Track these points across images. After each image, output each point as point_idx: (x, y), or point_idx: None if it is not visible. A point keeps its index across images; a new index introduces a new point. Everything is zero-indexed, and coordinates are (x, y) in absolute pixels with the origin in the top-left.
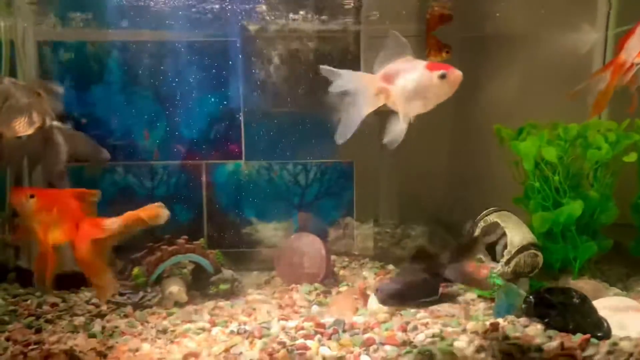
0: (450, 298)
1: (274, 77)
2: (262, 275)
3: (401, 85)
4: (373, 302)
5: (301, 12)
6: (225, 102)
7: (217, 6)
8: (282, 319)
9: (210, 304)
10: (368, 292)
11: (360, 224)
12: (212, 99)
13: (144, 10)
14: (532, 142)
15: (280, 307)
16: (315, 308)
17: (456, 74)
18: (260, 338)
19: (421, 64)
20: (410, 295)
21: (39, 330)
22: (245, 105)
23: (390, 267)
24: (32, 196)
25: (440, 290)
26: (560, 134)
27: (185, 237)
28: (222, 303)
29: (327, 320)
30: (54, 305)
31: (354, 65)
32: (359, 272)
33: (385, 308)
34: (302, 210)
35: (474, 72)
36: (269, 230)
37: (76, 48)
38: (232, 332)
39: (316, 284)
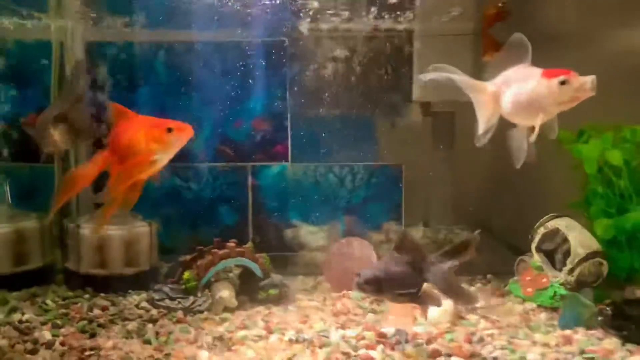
0: (505, 308)
1: (322, 78)
2: (307, 280)
3: (515, 95)
4: (433, 311)
5: (352, 11)
6: (271, 103)
7: (265, 5)
8: (340, 328)
9: (260, 309)
10: None
11: (408, 229)
12: (259, 100)
13: (191, 10)
14: (594, 145)
15: (334, 314)
16: (370, 316)
17: (581, 79)
18: (320, 347)
19: (537, 71)
20: (388, 285)
21: (93, 335)
22: (292, 106)
23: None
24: (169, 130)
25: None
26: (627, 136)
27: (234, 240)
28: (274, 309)
29: (388, 329)
30: (104, 308)
31: (407, 66)
32: None
33: (447, 318)
34: (349, 214)
35: None
36: (314, 234)
37: (124, 49)
38: (290, 340)
39: None
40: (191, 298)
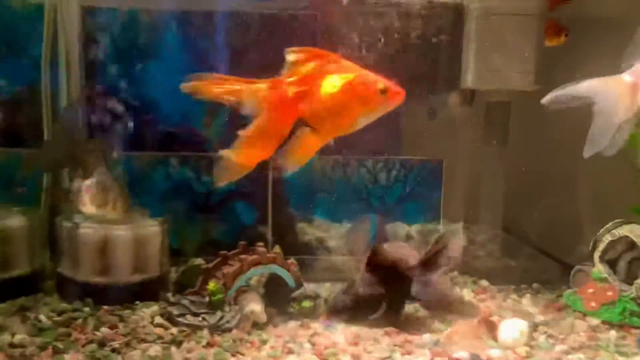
0: (566, 323)
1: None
2: (336, 287)
3: None
4: (505, 331)
5: None
6: None
7: None
8: (406, 354)
9: (293, 326)
10: (492, 318)
11: (447, 229)
12: None
13: None
14: None
15: (387, 333)
16: (427, 337)
17: None
18: None
19: None
20: (360, 312)
21: None
22: None
23: (484, 282)
24: (383, 91)
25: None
26: None
27: (262, 244)
28: (315, 326)
29: (461, 355)
30: (113, 327)
31: (456, 48)
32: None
33: (524, 340)
34: (381, 213)
35: (590, 59)
36: (342, 236)
37: (127, 17)
38: None
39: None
40: (218, 313)
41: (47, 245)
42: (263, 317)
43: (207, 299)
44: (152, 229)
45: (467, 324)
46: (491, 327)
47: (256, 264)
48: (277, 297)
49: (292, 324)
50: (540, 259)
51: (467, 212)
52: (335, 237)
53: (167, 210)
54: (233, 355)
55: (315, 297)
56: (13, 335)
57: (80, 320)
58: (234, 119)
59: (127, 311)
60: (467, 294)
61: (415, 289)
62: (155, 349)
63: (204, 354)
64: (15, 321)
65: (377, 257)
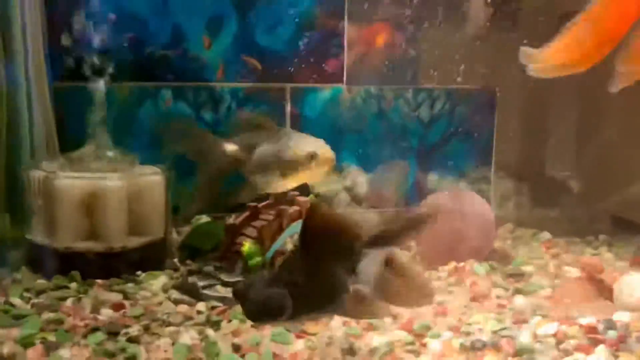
0: None
1: None
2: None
3: None
4: (628, 290)
5: None
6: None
7: None
8: (516, 323)
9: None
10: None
11: (499, 176)
12: None
13: None
14: None
15: (474, 298)
16: (519, 300)
17: None
18: (516, 356)
19: None
20: (287, 307)
21: None
22: (350, 5)
23: (546, 235)
24: None
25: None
26: None
27: (296, 192)
28: None
29: (589, 320)
30: (118, 307)
31: None
32: (518, 244)
33: None
34: (423, 155)
35: None
36: (377, 184)
37: None
38: (463, 347)
39: (491, 263)
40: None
41: (3, 204)
42: None
43: (239, 263)
44: (152, 178)
45: (572, 283)
46: (601, 285)
47: (297, 217)
48: None
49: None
50: (591, 209)
51: (522, 153)
52: (367, 185)
53: (158, 157)
54: (299, 337)
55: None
56: None
57: (70, 301)
58: (243, 37)
59: (129, 285)
60: (535, 248)
61: (361, 276)
62: (187, 335)
63: (257, 337)
64: None
65: (314, 222)
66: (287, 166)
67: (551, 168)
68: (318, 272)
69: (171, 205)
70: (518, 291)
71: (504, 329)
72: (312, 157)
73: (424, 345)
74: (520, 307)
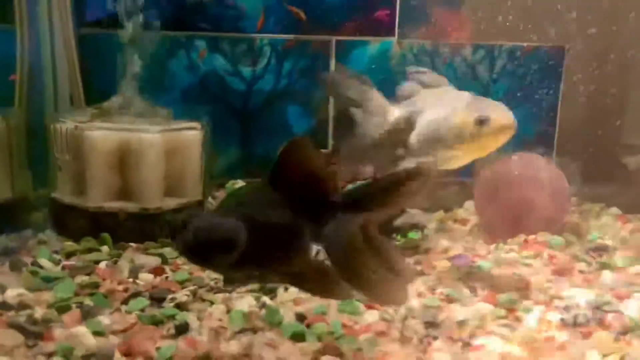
0: None
1: None
2: (426, 215)
3: None
4: None
5: None
6: None
7: None
8: (619, 297)
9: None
10: None
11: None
12: None
13: None
14: None
15: (556, 272)
16: (607, 274)
17: None
18: (630, 332)
19: None
20: (233, 256)
21: (182, 332)
22: None
23: (615, 210)
24: None
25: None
26: None
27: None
28: (443, 264)
29: None
30: (159, 271)
31: None
32: (588, 218)
33: None
34: None
35: None
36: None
37: None
38: (563, 322)
39: (566, 235)
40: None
41: (26, 161)
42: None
43: None
44: (190, 134)
45: None
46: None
47: (353, 179)
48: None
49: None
50: None
51: (590, 122)
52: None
53: (189, 114)
54: (369, 307)
55: (423, 227)
56: (3, 289)
57: (103, 264)
58: None
59: (167, 249)
60: (610, 223)
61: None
62: (243, 302)
63: (323, 307)
64: (2, 270)
65: (292, 157)
66: (452, 136)
67: (623, 137)
68: (280, 218)
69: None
70: (604, 266)
71: (607, 303)
72: (483, 122)
73: (518, 319)
74: (611, 284)
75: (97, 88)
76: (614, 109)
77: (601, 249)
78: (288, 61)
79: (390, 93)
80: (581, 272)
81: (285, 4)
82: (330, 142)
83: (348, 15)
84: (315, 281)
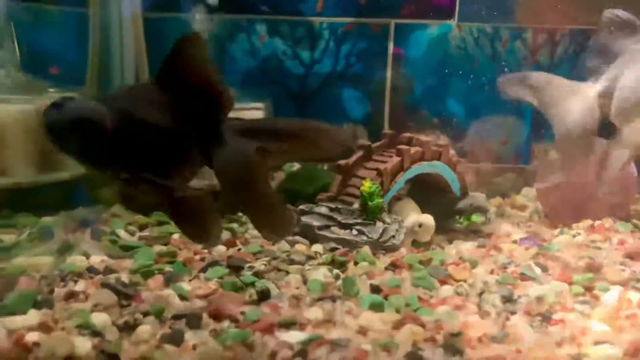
0: None
1: None
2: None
3: None
4: None
5: None
6: None
7: None
8: None
9: (470, 246)
10: None
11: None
12: None
13: None
14: None
15: (628, 255)
16: None
17: None
18: None
19: None
20: (92, 125)
21: (264, 298)
22: None
23: None
24: None
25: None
26: None
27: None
28: (508, 247)
29: None
30: (232, 242)
31: None
32: None
33: None
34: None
35: None
36: (491, 135)
37: None
38: None
39: (635, 221)
40: (379, 224)
41: None
42: (430, 233)
43: (355, 205)
44: (255, 112)
45: None
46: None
47: (419, 158)
48: (432, 208)
49: (467, 245)
50: None
51: None
52: (479, 137)
53: (249, 96)
54: (443, 282)
55: (486, 210)
56: (87, 256)
57: (177, 236)
58: None
59: (233, 224)
60: None
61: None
62: (318, 272)
63: (396, 280)
64: (83, 239)
65: (185, 54)
66: None
67: None
68: (161, 120)
69: None
70: None
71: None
72: None
73: (596, 297)
74: None
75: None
76: None
77: None
78: (346, 44)
79: (448, 77)
80: None
81: None
82: (387, 127)
83: None
84: (189, 214)
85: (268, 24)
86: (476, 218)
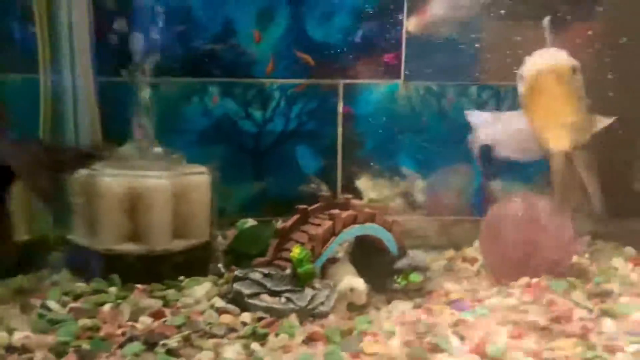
0: None
1: None
2: (431, 255)
3: None
4: None
5: None
6: None
7: None
8: (610, 349)
9: (405, 307)
10: None
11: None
12: None
13: None
14: None
15: (554, 320)
16: (608, 323)
17: None
18: None
19: None
20: None
21: None
22: None
23: (630, 250)
24: None
25: None
26: None
27: (349, 196)
28: (438, 308)
29: None
30: (158, 315)
31: None
32: (598, 259)
33: None
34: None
35: None
36: (439, 190)
37: None
38: None
39: (570, 279)
40: (307, 291)
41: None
42: (363, 297)
43: (287, 270)
44: (197, 178)
45: None
46: None
47: (351, 222)
48: (371, 269)
49: (404, 305)
50: None
51: (601, 160)
52: (427, 192)
53: (204, 155)
54: (354, 357)
55: (425, 269)
56: (11, 332)
57: (108, 307)
58: (295, 30)
59: (171, 291)
60: (620, 265)
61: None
62: (232, 349)
63: (309, 355)
64: (13, 312)
65: None
66: None
67: (637, 173)
68: None
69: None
70: (605, 313)
71: (597, 357)
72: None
73: None
74: (610, 332)
75: (113, 133)
76: (627, 145)
77: (604, 294)
78: (296, 105)
79: (397, 133)
80: (581, 319)
81: (294, 50)
82: (340, 182)
83: (357, 59)
84: None
85: (220, 86)
86: (415, 277)
